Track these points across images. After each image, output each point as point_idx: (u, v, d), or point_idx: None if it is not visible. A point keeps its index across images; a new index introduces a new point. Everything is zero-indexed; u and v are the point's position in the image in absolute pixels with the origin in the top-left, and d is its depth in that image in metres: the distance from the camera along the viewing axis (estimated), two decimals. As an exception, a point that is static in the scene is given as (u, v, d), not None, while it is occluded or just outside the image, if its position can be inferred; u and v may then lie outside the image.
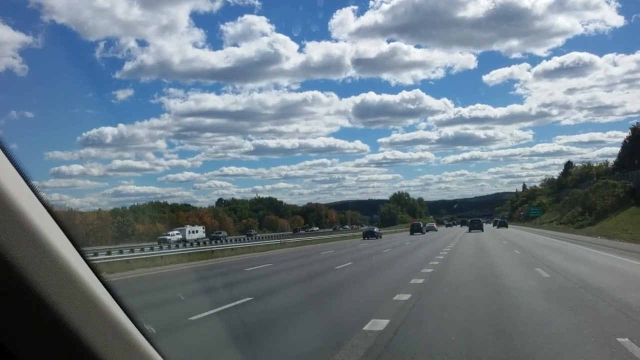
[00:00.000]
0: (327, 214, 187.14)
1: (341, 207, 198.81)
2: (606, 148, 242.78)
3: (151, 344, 1.22)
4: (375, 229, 57.38)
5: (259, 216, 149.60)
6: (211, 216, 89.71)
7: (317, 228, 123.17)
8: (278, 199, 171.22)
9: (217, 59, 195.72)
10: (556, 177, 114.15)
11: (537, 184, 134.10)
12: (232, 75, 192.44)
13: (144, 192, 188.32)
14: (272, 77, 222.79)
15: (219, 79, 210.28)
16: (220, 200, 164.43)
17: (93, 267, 1.13)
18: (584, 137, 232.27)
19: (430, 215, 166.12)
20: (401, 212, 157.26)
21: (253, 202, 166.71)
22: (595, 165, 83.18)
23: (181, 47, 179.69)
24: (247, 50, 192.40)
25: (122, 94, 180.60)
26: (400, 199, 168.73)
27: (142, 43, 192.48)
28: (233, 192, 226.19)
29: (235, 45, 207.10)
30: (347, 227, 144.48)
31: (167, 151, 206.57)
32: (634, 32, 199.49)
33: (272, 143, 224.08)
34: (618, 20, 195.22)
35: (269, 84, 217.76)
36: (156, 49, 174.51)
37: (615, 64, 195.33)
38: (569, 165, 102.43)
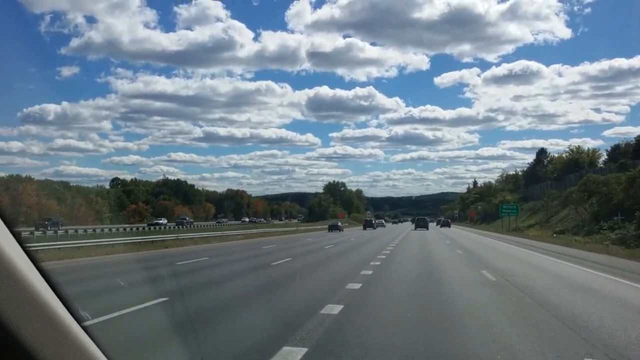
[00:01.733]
0: (250, 203, 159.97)
1: (284, 198, 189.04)
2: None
3: (85, 330, 1.15)
4: (339, 223, 65.82)
5: (157, 201, 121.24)
6: (45, 196, 60.50)
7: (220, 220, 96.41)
8: (189, 182, 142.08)
9: (168, 41, 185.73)
10: (520, 172, 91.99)
11: (492, 181, 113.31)
12: (184, 59, 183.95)
13: (86, 173, 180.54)
14: (225, 63, 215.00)
15: (169, 62, 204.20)
16: (115, 180, 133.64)
17: (27, 251, 1.07)
18: (527, 143, 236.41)
19: (369, 210, 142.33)
20: (334, 205, 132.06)
21: (158, 185, 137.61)
22: (588, 150, 60.20)
23: (132, 26, 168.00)
24: (200, 35, 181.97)
25: (67, 71, 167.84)
26: (334, 190, 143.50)
27: (91, 19, 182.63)
28: (180, 178, 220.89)
29: (188, 28, 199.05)
30: (246, 219, 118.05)
31: (112, 133, 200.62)
32: (580, 45, 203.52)
33: (222, 131, 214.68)
34: (566, 33, 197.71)
35: (222, 70, 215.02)
36: (105, 27, 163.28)
37: (560, 75, 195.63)
38: (542, 153, 79.83)
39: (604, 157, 59.07)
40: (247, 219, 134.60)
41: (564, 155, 60.82)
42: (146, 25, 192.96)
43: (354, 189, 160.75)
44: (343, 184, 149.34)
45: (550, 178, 61.88)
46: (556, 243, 29.35)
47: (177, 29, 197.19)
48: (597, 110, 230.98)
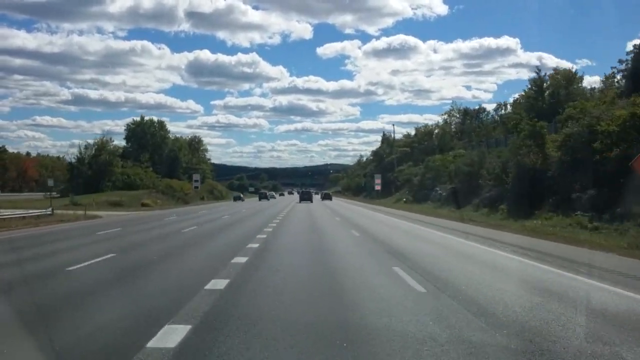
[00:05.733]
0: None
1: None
2: (422, 130, 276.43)
3: None
4: (241, 195, 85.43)
5: None
6: None
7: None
8: None
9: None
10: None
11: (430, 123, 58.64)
12: (46, 12, 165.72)
13: None
14: (94, 19, 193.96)
15: (30, 14, 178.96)
16: None
17: None
18: (404, 117, 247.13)
19: (197, 179, 79.18)
20: (136, 165, 67.80)
21: None
22: None
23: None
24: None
25: None
26: (141, 136, 77.53)
27: None
28: (48, 144, 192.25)
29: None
30: None
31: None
32: (454, 22, 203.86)
33: (94, 94, 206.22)
34: (442, 9, 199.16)
35: (91, 26, 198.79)
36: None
37: (435, 51, 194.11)
38: None
39: None
40: None
41: None
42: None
43: (186, 138, 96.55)
44: (161, 124, 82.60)
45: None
46: None
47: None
48: (468, 88, 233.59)
